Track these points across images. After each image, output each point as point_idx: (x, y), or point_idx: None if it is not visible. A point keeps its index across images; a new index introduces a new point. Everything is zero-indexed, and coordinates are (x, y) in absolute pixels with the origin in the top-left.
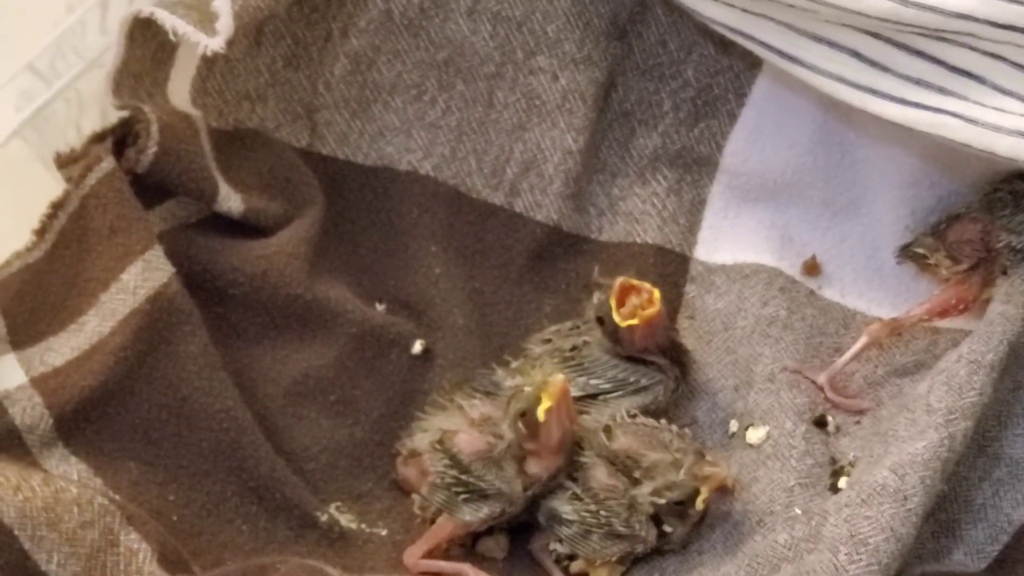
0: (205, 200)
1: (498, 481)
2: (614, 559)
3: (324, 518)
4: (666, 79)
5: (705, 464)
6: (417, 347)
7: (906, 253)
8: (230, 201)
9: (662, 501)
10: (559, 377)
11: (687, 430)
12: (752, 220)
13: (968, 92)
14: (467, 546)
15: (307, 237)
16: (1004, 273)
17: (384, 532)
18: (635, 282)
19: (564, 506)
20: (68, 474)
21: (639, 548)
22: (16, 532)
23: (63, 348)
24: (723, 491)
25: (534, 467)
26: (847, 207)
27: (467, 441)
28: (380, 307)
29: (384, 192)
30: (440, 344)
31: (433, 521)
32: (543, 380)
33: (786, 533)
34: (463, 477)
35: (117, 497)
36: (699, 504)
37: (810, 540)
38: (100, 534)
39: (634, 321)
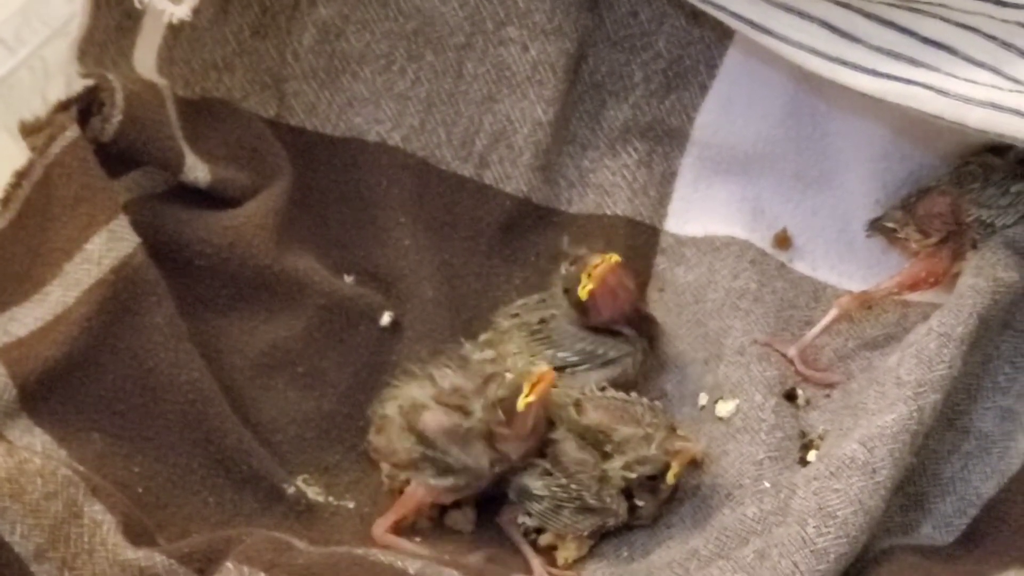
0: (171, 170)
1: (465, 457)
2: (585, 533)
3: (291, 490)
4: (637, 50)
5: (676, 439)
6: (385, 319)
7: (876, 227)
8: (197, 171)
9: (633, 475)
10: (545, 371)
11: (658, 403)
12: (723, 192)
13: (939, 63)
14: (435, 520)
15: (275, 208)
16: (974, 247)
17: (351, 504)
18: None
19: (535, 482)
20: (32, 445)
21: (610, 522)
22: None
23: (27, 318)
24: (693, 465)
25: (504, 447)
26: (818, 180)
27: (433, 418)
28: (348, 279)
29: (353, 163)
30: (409, 316)
31: (401, 491)
32: (527, 371)
33: (755, 506)
34: (429, 453)
35: (81, 468)
36: (670, 478)
37: (779, 513)
38: (64, 505)
39: (590, 285)
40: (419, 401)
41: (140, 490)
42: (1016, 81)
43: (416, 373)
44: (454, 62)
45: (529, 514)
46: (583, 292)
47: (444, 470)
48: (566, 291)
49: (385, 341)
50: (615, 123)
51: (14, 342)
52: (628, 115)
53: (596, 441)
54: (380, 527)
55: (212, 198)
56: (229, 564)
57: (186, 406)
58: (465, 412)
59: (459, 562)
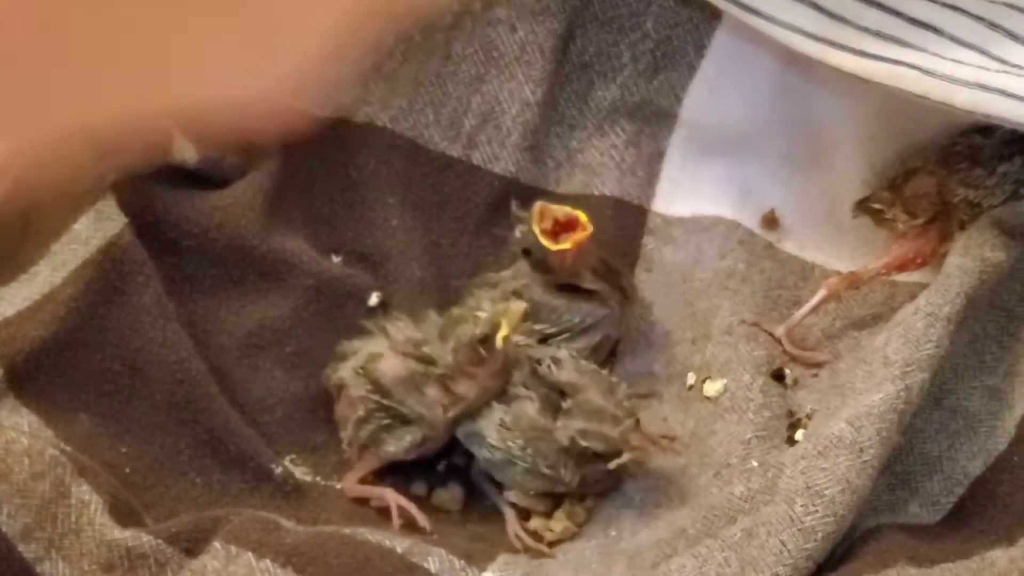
0: (159, 150)
1: (419, 406)
2: (532, 493)
3: (279, 471)
4: (625, 31)
5: (638, 436)
6: (373, 299)
7: (862, 207)
8: (185, 152)
9: (584, 443)
10: (520, 305)
11: (635, 401)
12: (711, 172)
13: (926, 43)
14: (422, 499)
15: (263, 188)
16: (962, 227)
17: (339, 485)
18: (554, 207)
19: (490, 431)
20: (19, 425)
21: (559, 489)
22: None
23: (14, 298)
24: (637, 465)
25: (463, 387)
26: (807, 160)
27: (390, 365)
28: (336, 259)
29: (340, 144)
30: (397, 296)
31: (360, 458)
32: (504, 307)
33: (743, 485)
34: (385, 402)
35: (68, 448)
36: (613, 464)
37: (766, 492)
38: (51, 485)
39: (566, 245)
40: (375, 352)
41: (127, 470)
42: (1003, 62)
43: (372, 331)
44: (442, 42)
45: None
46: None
47: (402, 422)
48: (525, 252)
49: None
50: (603, 103)
51: (1, 322)
52: (616, 95)
53: (561, 395)
54: (349, 481)
55: (199, 178)
56: (217, 544)
57: (173, 386)
58: (421, 359)
59: (446, 541)
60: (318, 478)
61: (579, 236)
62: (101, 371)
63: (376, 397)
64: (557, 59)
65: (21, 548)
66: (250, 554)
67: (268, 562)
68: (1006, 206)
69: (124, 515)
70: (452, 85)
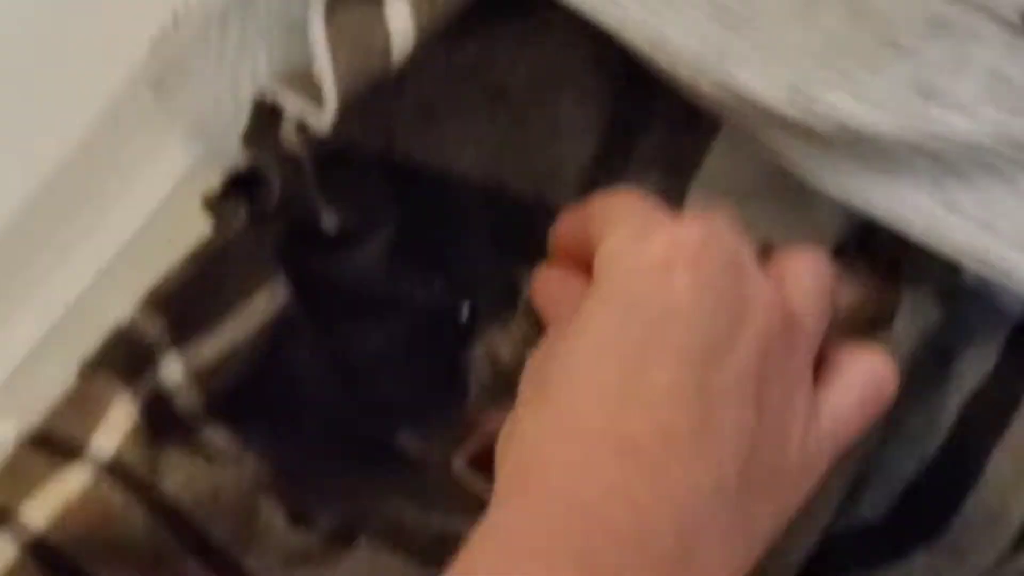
0: (309, 224)
1: None
2: None
3: (398, 449)
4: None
5: None
6: (464, 312)
7: None
8: (328, 222)
9: None
10: None
11: None
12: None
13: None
14: None
15: (386, 247)
16: None
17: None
18: None
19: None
20: (216, 441)
21: None
22: (189, 513)
23: (211, 348)
24: None
25: None
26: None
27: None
28: (437, 283)
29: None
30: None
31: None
32: None
33: None
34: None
35: (261, 465)
36: None
37: None
38: (249, 501)
39: None
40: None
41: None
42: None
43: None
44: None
45: None
46: None
47: None
48: None
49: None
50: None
51: (203, 366)
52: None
53: None
54: (461, 458)
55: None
56: (363, 540)
57: (325, 409)
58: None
59: None
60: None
61: None
62: (273, 403)
63: (498, 379)
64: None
65: (230, 549)
66: (387, 552)
67: (401, 560)
68: None
69: (296, 518)
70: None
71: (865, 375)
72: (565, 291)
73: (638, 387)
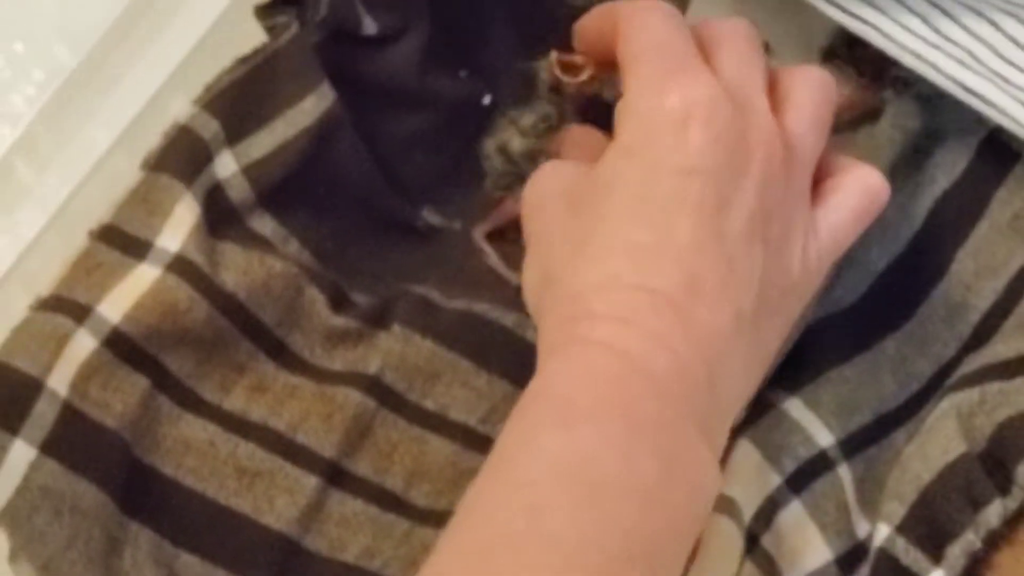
0: (352, 29)
1: None
2: None
3: (420, 224)
4: None
5: None
6: (487, 100)
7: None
8: (368, 27)
9: None
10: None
11: None
12: None
13: (886, 7)
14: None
15: (419, 46)
16: None
17: (458, 225)
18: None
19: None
20: (264, 230)
21: None
22: (244, 301)
23: (261, 145)
24: None
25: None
26: None
27: (519, 143)
28: (463, 73)
29: None
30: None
31: (498, 205)
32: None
33: None
34: (514, 170)
35: (305, 251)
36: None
37: None
38: (295, 291)
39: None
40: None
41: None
42: (945, 37)
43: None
44: None
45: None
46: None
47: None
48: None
49: (486, 114)
50: None
51: (253, 163)
52: None
53: None
54: (479, 232)
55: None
56: (396, 326)
57: (360, 194)
58: (540, 137)
59: None
60: (455, 223)
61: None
62: (315, 192)
63: (510, 168)
64: None
65: (277, 331)
66: (418, 335)
67: (431, 342)
68: None
69: (336, 302)
70: None
71: (859, 189)
72: (586, 137)
73: (666, 244)
